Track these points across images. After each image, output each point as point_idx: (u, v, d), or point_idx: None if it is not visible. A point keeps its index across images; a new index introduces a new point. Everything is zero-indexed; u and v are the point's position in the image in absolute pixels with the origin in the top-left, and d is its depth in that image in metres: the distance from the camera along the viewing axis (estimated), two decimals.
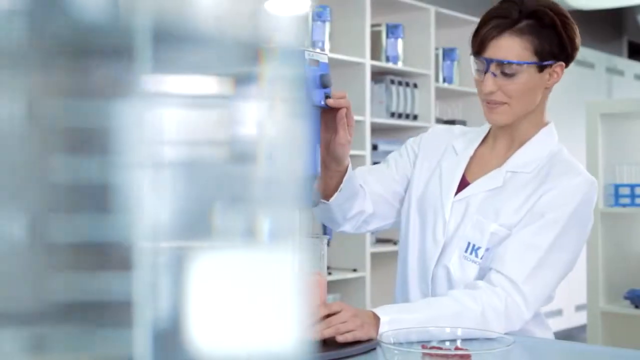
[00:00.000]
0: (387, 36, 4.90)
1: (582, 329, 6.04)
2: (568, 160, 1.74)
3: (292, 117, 0.41)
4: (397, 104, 4.90)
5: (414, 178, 1.87)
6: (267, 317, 0.38)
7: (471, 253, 1.70)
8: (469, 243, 1.71)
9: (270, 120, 0.41)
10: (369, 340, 1.49)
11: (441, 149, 1.88)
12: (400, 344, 1.35)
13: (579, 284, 4.13)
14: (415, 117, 5.01)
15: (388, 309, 1.56)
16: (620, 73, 7.56)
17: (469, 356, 1.29)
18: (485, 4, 1.83)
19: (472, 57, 1.71)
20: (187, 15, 0.39)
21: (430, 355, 1.29)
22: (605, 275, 3.74)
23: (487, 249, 1.69)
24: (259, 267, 0.38)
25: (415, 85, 5.05)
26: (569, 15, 1.72)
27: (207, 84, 0.41)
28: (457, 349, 1.38)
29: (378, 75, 4.88)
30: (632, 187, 3.72)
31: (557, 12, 1.69)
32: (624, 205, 3.73)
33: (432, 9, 5.11)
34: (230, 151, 0.40)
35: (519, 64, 1.65)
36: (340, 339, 1.47)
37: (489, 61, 1.66)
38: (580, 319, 6.17)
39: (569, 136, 3.71)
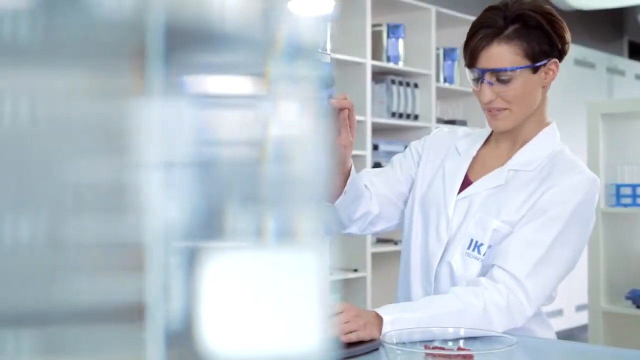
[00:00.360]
0: (388, 36, 4.90)
1: (582, 329, 6.04)
2: (570, 159, 1.74)
3: (311, 117, 0.40)
4: (397, 104, 4.90)
5: (417, 178, 1.89)
6: (289, 318, 0.38)
7: (474, 250, 1.71)
8: (471, 240, 1.72)
9: (289, 120, 0.41)
10: (372, 340, 1.49)
11: (444, 149, 1.89)
12: (403, 343, 1.35)
13: (579, 284, 4.13)
14: (416, 117, 5.00)
15: (390, 309, 1.56)
16: (621, 73, 7.56)
17: (471, 356, 1.28)
18: (486, 4, 1.83)
19: (467, 69, 1.73)
20: (207, 15, 0.39)
21: (433, 355, 1.29)
22: (606, 275, 3.74)
23: (489, 246, 1.70)
24: (281, 268, 0.38)
25: (416, 85, 5.05)
26: (554, 12, 1.73)
27: (228, 84, 0.41)
28: (459, 349, 1.38)
29: (379, 75, 4.88)
30: (634, 187, 3.72)
31: (542, 12, 1.70)
32: (626, 206, 3.73)
33: (433, 8, 5.11)
34: (249, 151, 0.40)
35: (512, 69, 1.66)
36: (344, 339, 1.47)
37: (483, 71, 1.68)
38: (581, 319, 6.16)
39: (570, 136, 3.70)
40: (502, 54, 1.66)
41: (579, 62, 6.77)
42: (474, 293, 1.60)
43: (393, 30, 4.92)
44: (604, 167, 3.73)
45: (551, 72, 1.72)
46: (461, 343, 1.40)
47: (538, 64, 1.68)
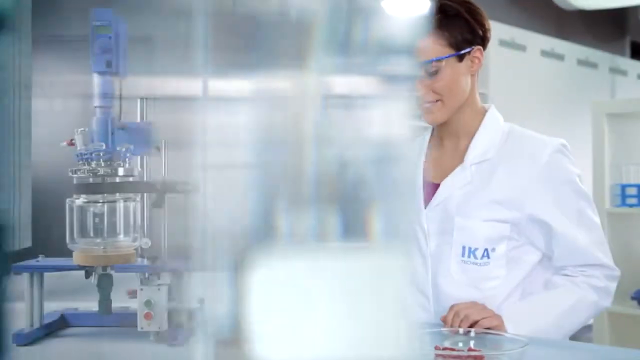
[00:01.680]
0: None
1: (586, 329, 6.02)
2: (527, 136, 1.76)
3: (409, 118, 0.40)
4: None
5: None
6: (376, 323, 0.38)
7: (469, 256, 1.70)
8: (463, 247, 1.70)
9: (390, 121, 0.40)
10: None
11: None
12: None
13: None
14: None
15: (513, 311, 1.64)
16: (623, 73, 7.55)
17: (482, 357, 1.28)
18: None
19: None
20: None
21: (443, 356, 1.29)
22: None
23: (487, 249, 1.69)
24: (373, 270, 0.37)
25: None
26: (472, 1, 1.76)
27: (343, 84, 0.40)
28: (470, 349, 1.37)
29: None
30: (639, 187, 3.71)
31: (459, 1, 1.73)
32: (631, 206, 3.72)
33: None
34: (347, 153, 0.39)
35: (438, 60, 1.67)
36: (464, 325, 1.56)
37: None
38: None
39: (573, 136, 3.69)
40: (425, 45, 1.68)
41: (581, 62, 6.75)
42: (572, 282, 1.69)
43: None
44: (609, 167, 3.73)
45: (477, 60, 1.74)
46: (472, 344, 1.40)
47: (462, 51, 1.70)
